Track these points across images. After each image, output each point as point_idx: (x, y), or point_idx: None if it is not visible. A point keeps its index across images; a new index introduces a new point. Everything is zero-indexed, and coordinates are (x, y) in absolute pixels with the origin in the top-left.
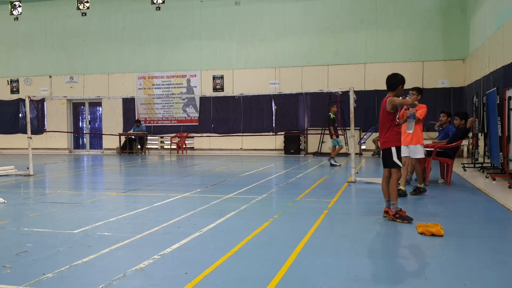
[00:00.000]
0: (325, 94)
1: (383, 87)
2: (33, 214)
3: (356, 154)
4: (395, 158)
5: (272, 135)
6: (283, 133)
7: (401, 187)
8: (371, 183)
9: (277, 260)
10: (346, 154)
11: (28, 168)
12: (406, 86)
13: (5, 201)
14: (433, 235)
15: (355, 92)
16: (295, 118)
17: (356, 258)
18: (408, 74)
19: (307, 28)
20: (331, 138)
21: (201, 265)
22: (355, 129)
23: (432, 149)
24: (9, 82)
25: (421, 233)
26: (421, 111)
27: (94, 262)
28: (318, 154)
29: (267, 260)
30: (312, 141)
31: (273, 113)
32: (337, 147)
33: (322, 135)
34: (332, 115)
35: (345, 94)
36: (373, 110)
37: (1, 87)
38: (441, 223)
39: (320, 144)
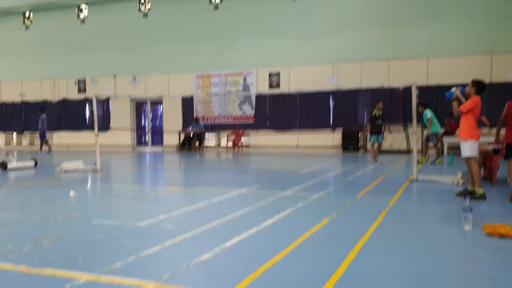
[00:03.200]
0: (386, 89)
1: (447, 81)
2: (102, 207)
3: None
4: None
5: (330, 132)
6: (341, 129)
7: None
8: (434, 181)
9: (336, 258)
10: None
11: (95, 163)
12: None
13: (76, 195)
14: (502, 236)
15: (418, 87)
16: (353, 115)
17: (418, 259)
18: (475, 68)
19: (367, 22)
20: (379, 134)
21: (260, 259)
22: (417, 126)
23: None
24: (77, 82)
25: (489, 234)
26: (467, 103)
27: (159, 253)
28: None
29: (326, 257)
30: None
31: (331, 109)
32: (375, 144)
33: (382, 132)
34: (376, 112)
35: (407, 89)
36: (435, 106)
37: (70, 87)
38: (511, 224)
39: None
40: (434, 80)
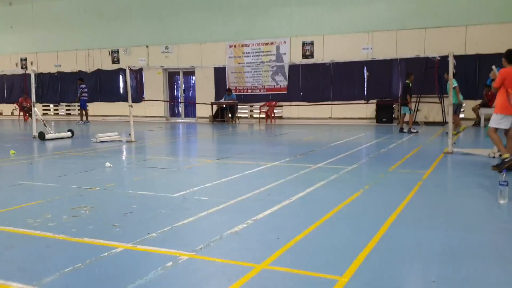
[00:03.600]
0: (422, 59)
1: (487, 51)
2: (137, 177)
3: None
4: None
5: (364, 103)
6: (375, 101)
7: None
8: (469, 154)
9: (368, 230)
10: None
11: (129, 134)
12: None
13: (111, 165)
14: None
15: (455, 57)
16: (388, 86)
17: (451, 232)
18: None
19: None
20: (406, 106)
21: (292, 231)
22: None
23: None
24: (110, 53)
25: None
26: (497, 78)
27: (192, 224)
28: (412, 123)
29: (358, 229)
30: None
31: (365, 80)
32: (410, 115)
33: (417, 103)
34: (409, 83)
35: (444, 59)
36: (473, 76)
37: (103, 57)
38: None
39: (415, 112)
40: (473, 49)
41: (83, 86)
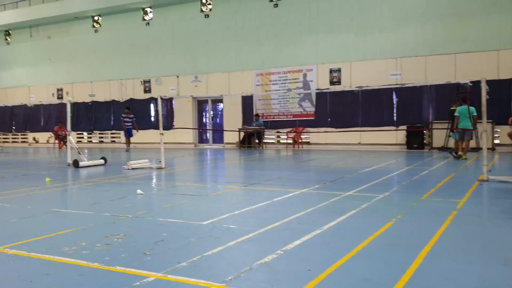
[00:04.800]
0: (453, 85)
1: None
2: (166, 205)
3: (488, 149)
4: None
5: (394, 129)
6: (405, 127)
7: None
8: (506, 182)
9: (402, 262)
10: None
11: (160, 161)
12: None
13: (143, 192)
14: None
15: (487, 82)
16: (418, 111)
17: (490, 265)
18: None
19: (431, 15)
20: (453, 132)
21: (323, 263)
22: (487, 123)
23: None
24: (142, 83)
25: None
26: None
27: (222, 254)
28: (444, 149)
29: (391, 262)
30: (438, 135)
31: (394, 106)
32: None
33: (448, 129)
34: (454, 109)
35: (476, 84)
36: (507, 101)
37: (136, 87)
38: None
39: (447, 138)
40: (506, 74)
41: (123, 115)
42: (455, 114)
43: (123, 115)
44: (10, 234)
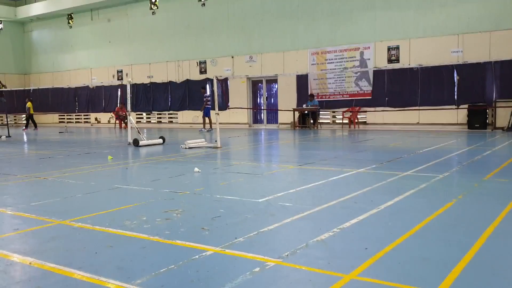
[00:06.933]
0: None
1: None
2: (223, 182)
3: None
4: None
5: (454, 108)
6: (466, 106)
7: None
8: None
9: (463, 243)
10: None
11: (216, 141)
12: None
13: (200, 171)
14: None
15: None
16: (481, 89)
17: None
18: None
19: None
20: None
21: (380, 241)
22: None
23: None
24: (198, 64)
25: None
26: None
27: (278, 230)
28: (509, 129)
29: (451, 242)
30: (502, 114)
31: (455, 84)
32: None
33: None
34: None
35: None
36: None
37: (192, 68)
38: None
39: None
40: None
41: (207, 95)
42: None
43: (207, 95)
44: (76, 208)
